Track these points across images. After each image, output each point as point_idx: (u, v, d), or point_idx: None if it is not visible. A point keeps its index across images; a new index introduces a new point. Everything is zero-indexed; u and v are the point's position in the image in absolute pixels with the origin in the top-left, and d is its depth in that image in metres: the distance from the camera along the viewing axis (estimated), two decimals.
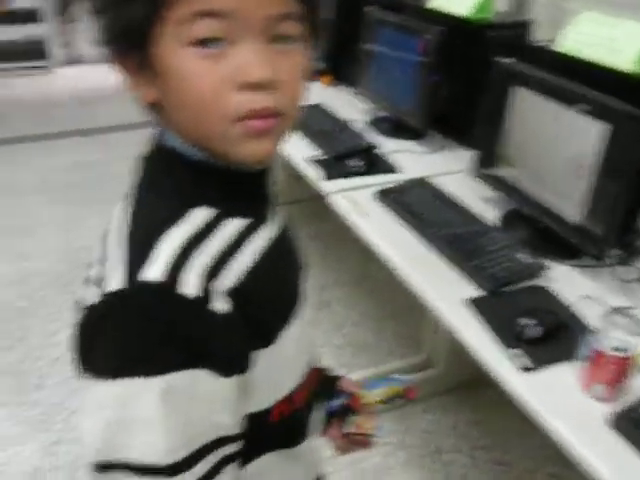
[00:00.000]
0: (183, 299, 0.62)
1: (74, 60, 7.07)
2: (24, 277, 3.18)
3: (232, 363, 0.67)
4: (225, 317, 0.65)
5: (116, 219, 0.71)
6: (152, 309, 0.62)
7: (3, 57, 6.61)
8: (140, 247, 0.65)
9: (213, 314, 0.64)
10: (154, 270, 0.62)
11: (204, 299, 0.63)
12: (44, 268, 3.26)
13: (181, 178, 0.70)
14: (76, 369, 0.68)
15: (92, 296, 0.67)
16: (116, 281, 0.64)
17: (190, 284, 0.63)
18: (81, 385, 0.67)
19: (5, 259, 3.34)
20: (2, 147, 4.82)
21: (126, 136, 5.05)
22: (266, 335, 0.72)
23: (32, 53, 6.74)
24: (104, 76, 6.51)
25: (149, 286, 0.62)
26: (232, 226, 0.70)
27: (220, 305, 0.65)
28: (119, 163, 4.49)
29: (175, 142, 0.69)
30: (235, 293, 0.66)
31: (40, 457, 2.20)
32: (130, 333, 0.62)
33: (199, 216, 0.67)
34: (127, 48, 0.65)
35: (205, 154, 0.69)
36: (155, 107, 0.69)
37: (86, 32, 7.04)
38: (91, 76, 6.69)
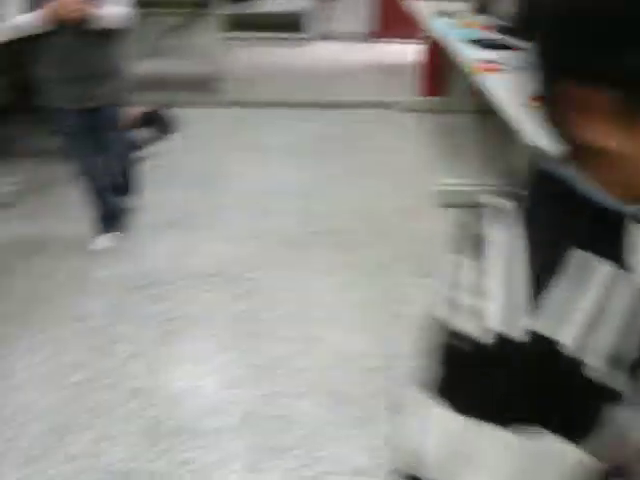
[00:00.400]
0: (561, 357, 0.60)
1: (328, 36, 7.36)
2: (261, 233, 3.39)
3: (588, 428, 0.63)
4: (596, 381, 0.61)
5: (497, 244, 0.67)
6: (527, 362, 0.61)
7: (267, 27, 7.07)
8: (528, 290, 0.62)
9: (586, 377, 0.60)
10: (539, 322, 0.60)
11: (581, 361, 0.60)
12: (280, 228, 3.44)
13: (584, 224, 0.65)
14: (424, 384, 0.68)
15: (466, 326, 0.65)
16: (501, 323, 0.62)
17: (572, 342, 0.60)
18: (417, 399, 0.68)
19: (249, 215, 3.58)
20: (257, 109, 5.16)
21: (366, 113, 5.17)
22: (619, 396, 0.67)
23: (292, 26, 7.13)
24: (352, 54, 6.82)
25: (533, 339, 0.60)
26: (626, 284, 0.63)
27: (597, 368, 0.61)
28: (359, 138, 4.68)
29: (586, 187, 0.65)
30: (614, 357, 0.62)
31: (257, 404, 2.32)
32: (503, 382, 0.62)
33: (593, 267, 0.62)
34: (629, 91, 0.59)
35: (624, 206, 0.64)
36: (591, 150, 0.63)
37: (342, 10, 7.31)
38: (341, 52, 6.94)
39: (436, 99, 5.45)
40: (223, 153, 4.39)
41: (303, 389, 2.37)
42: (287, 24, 7.14)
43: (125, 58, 2.98)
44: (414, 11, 5.17)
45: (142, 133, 4.28)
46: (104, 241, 3.20)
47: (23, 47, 3.68)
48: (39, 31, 2.69)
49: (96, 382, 2.39)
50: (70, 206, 3.48)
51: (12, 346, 2.56)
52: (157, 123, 4.46)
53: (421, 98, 5.52)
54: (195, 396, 2.33)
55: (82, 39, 2.72)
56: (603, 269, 0.62)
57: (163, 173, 4.06)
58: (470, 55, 3.55)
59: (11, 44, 3.59)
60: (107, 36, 2.79)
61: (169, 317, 2.73)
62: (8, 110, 4.97)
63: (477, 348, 0.64)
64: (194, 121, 4.80)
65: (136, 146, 4.20)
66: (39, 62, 2.82)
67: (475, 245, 0.69)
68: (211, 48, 5.16)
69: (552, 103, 0.64)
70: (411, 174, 4.16)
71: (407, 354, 2.56)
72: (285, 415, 2.27)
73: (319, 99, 5.43)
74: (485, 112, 3.98)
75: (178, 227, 3.45)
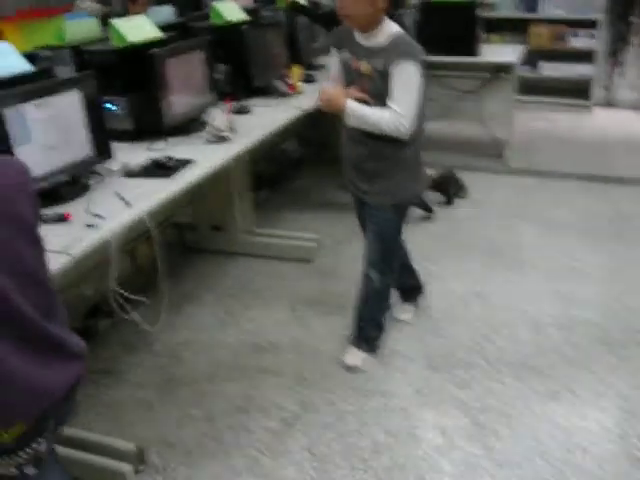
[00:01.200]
0: None
1: (615, 103, 6.86)
2: (570, 323, 3.04)
3: None
4: None
5: None
6: None
7: (551, 92, 6.77)
8: None
9: None
10: None
11: None
12: (590, 318, 3.07)
13: None
14: None
15: None
16: None
17: None
18: None
19: (550, 299, 3.26)
20: (542, 179, 4.85)
21: None
22: None
23: (578, 91, 6.74)
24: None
25: None
26: None
27: None
28: None
29: None
30: None
31: None
32: None
33: None
34: None
35: None
36: None
37: (627, 76, 6.78)
38: (631, 121, 6.38)
39: None
40: (510, 223, 4.13)
41: None
42: (573, 89, 6.79)
43: (413, 162, 2.57)
44: None
45: (432, 197, 4.17)
46: (405, 312, 3.09)
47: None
48: None
49: (403, 471, 2.21)
50: None
51: (309, 415, 2.52)
52: (446, 187, 4.34)
53: None
54: None
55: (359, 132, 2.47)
56: None
57: (453, 240, 3.91)
58: None
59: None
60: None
61: (476, 407, 2.49)
62: (299, 163, 5.20)
63: None
64: (480, 187, 4.61)
65: (427, 210, 4.11)
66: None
67: None
68: (501, 113, 4.97)
69: None
70: None
71: None
72: None
73: (609, 173, 4.96)
74: None
75: (475, 302, 3.24)
